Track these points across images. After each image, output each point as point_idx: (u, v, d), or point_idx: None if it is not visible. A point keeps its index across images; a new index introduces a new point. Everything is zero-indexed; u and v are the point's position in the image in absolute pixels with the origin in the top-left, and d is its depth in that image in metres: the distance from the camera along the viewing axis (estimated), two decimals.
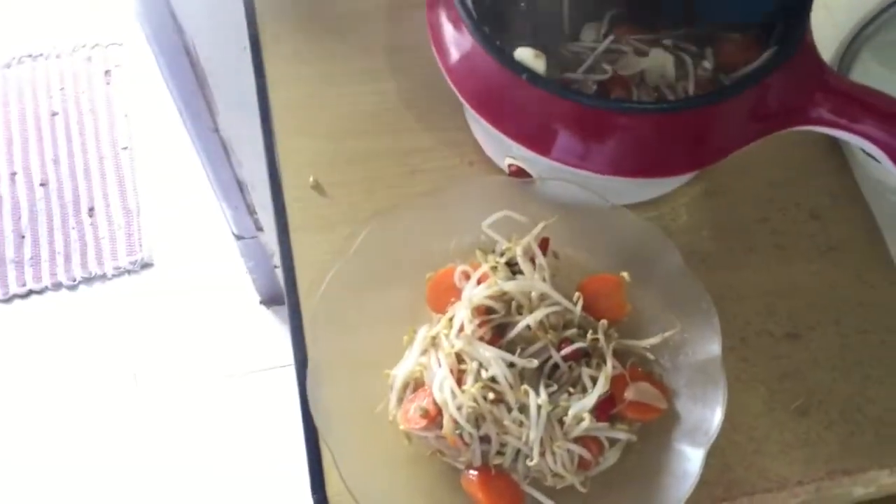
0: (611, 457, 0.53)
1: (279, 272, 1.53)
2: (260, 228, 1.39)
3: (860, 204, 0.63)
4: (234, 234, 1.41)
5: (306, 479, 0.56)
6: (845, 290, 0.61)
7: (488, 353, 0.52)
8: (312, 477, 0.55)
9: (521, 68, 0.51)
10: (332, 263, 0.56)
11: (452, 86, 0.56)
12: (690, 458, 0.50)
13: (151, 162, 1.77)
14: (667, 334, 0.54)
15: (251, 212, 1.35)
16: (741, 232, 0.63)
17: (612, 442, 0.53)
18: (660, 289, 0.56)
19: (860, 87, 0.54)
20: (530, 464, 0.51)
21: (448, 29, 0.55)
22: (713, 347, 0.53)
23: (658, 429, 0.53)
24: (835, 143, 0.65)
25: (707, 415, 0.51)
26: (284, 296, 0.60)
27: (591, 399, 0.51)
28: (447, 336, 0.53)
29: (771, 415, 0.57)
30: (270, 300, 1.62)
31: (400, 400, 0.54)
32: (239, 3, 0.91)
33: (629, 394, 0.52)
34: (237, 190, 1.29)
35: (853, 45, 0.67)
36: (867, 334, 0.59)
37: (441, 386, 0.51)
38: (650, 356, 0.55)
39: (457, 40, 0.54)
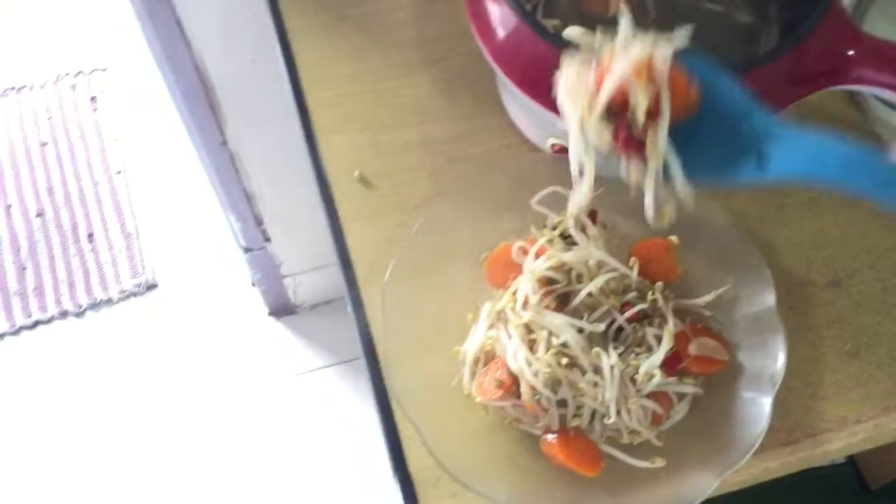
0: (680, 410, 0.55)
1: (287, 282, 1.55)
2: (268, 239, 1.40)
3: None
4: (242, 246, 1.42)
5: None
6: (876, 237, 0.64)
7: (557, 320, 0.54)
8: (394, 456, 0.56)
9: (570, 45, 0.53)
10: (391, 252, 0.58)
11: (496, 67, 0.58)
12: (758, 404, 0.53)
13: (147, 183, 1.77)
14: (720, 290, 0.57)
15: (259, 223, 1.36)
16: (773, 190, 0.66)
17: (680, 397, 0.56)
18: (708, 249, 0.59)
19: (892, 45, 0.57)
20: (608, 422, 0.53)
21: (494, 11, 0.57)
22: (768, 298, 0.56)
23: (722, 381, 0.56)
24: (852, 97, 0.68)
25: (769, 362, 0.54)
26: (345, 287, 0.62)
27: (659, 355, 0.53)
28: (513, 309, 0.55)
29: (823, 359, 0.59)
30: (279, 311, 1.63)
31: (473, 374, 0.56)
32: (249, 15, 0.93)
33: (693, 348, 0.55)
34: (245, 202, 1.30)
35: (861, 4, 0.70)
36: None
37: (515, 356, 0.53)
38: (707, 313, 0.58)
39: (503, 21, 0.57)
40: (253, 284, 1.59)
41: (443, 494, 0.55)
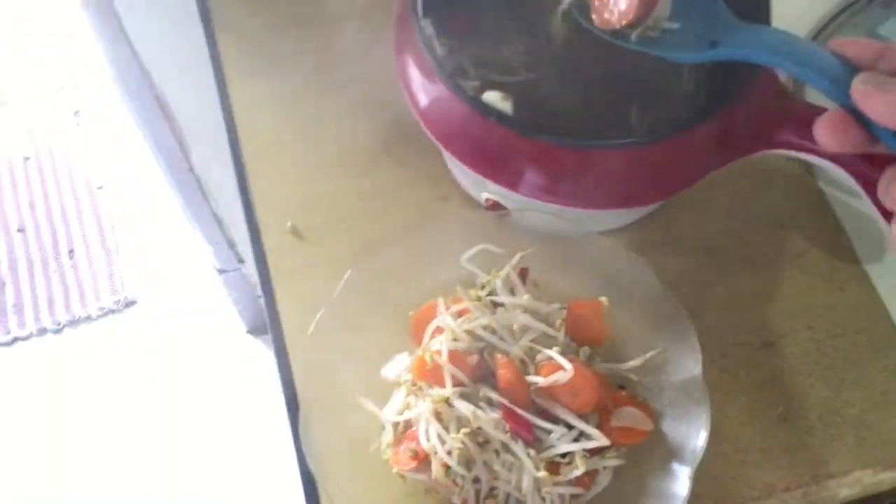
0: (602, 481, 0.54)
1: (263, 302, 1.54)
2: (241, 260, 1.40)
3: (825, 209, 0.65)
4: (216, 268, 1.42)
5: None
6: (816, 294, 0.63)
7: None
8: None
9: (489, 111, 0.52)
10: (317, 307, 0.57)
11: (425, 128, 0.57)
12: (678, 476, 0.52)
13: (128, 200, 1.77)
14: (648, 356, 0.55)
15: (231, 245, 1.36)
16: (711, 246, 0.65)
17: (603, 468, 0.54)
18: (639, 310, 0.58)
19: (822, 110, 0.56)
20: None
21: (416, 74, 0.56)
22: (693, 366, 0.54)
23: (645, 449, 0.54)
24: None
25: (692, 433, 0.53)
26: (272, 341, 0.61)
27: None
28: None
29: (753, 423, 0.58)
30: (257, 329, 1.63)
31: (392, 439, 0.55)
32: (202, 44, 0.92)
33: (615, 421, 0.54)
34: (216, 225, 1.29)
35: None
36: (839, 338, 0.61)
37: (427, 433, 0.52)
38: (633, 378, 0.56)
39: (425, 86, 0.56)
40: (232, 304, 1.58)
41: None
